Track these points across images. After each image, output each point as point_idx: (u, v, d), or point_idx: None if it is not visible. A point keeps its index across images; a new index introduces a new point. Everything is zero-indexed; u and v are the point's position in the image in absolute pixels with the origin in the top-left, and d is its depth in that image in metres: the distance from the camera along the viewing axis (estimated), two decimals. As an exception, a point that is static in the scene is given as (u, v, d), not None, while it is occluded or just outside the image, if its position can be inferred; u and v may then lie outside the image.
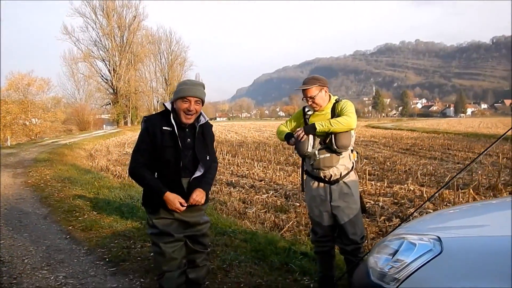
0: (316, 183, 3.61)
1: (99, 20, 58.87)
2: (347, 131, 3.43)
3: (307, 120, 3.66)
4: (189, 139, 2.91)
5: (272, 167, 13.00)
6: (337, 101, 3.61)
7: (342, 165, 3.53)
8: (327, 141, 3.48)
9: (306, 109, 3.71)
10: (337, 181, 3.52)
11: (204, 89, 2.97)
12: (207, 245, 3.22)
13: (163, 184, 2.86)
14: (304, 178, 3.82)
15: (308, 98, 3.53)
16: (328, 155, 3.49)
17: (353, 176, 3.62)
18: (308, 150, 3.49)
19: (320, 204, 3.57)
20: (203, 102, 2.94)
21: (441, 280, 1.80)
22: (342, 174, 3.53)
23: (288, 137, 3.66)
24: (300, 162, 3.93)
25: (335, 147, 3.44)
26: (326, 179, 3.54)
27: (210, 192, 3.38)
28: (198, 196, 2.91)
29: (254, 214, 7.07)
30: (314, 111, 3.61)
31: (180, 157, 2.86)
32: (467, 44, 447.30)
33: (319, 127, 3.40)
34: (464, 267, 1.79)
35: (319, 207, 3.59)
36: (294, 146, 3.66)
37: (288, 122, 3.88)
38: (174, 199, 2.81)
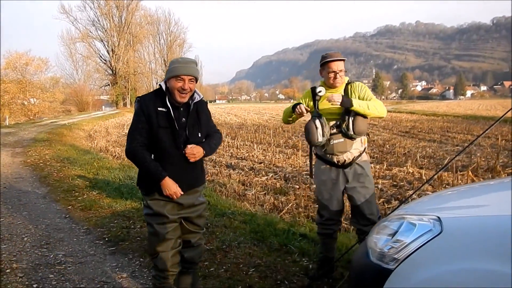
0: (327, 167, 3.52)
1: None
2: (365, 118, 3.33)
3: (316, 101, 3.48)
4: (183, 119, 2.85)
5: (272, 149, 12.99)
6: (349, 83, 3.49)
7: (356, 149, 3.44)
8: (343, 126, 3.35)
9: (317, 90, 3.47)
10: (350, 164, 3.44)
11: (196, 66, 2.91)
12: (203, 226, 3.20)
13: (160, 164, 2.81)
14: (313, 162, 3.72)
15: (338, 72, 3.38)
16: (342, 140, 3.37)
17: (365, 157, 3.55)
18: (319, 139, 3.34)
19: (331, 188, 3.51)
20: (196, 80, 2.87)
21: (441, 260, 1.80)
22: (355, 157, 3.45)
23: (294, 106, 3.46)
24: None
25: (352, 133, 3.32)
26: (339, 164, 3.45)
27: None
28: (194, 149, 2.83)
29: (253, 196, 7.09)
30: (332, 87, 3.45)
31: (176, 137, 2.81)
32: (467, 25, 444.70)
33: (355, 105, 3.27)
34: (464, 247, 1.79)
35: (329, 191, 3.52)
36: (305, 132, 3.46)
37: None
38: (172, 185, 2.78)
